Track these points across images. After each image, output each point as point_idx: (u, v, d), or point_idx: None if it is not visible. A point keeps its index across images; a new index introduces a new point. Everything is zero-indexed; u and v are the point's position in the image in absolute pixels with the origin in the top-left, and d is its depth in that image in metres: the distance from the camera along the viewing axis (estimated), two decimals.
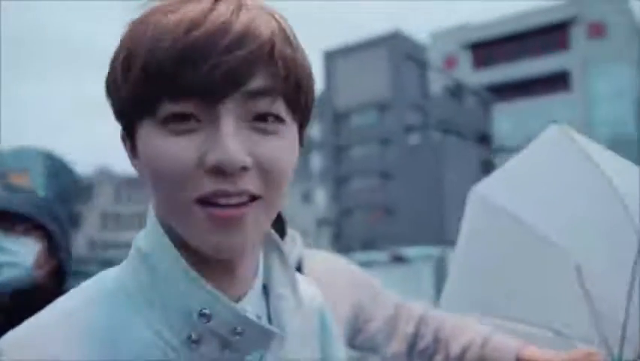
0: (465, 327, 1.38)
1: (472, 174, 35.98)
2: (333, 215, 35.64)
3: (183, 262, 0.56)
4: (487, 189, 1.63)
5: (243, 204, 0.54)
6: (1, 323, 1.29)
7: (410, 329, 1.39)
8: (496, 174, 1.69)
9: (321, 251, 1.51)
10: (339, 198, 36.84)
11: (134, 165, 0.61)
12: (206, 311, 0.55)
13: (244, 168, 0.53)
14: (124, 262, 0.62)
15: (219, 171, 0.52)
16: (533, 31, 42.07)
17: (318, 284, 0.81)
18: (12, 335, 0.55)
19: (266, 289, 0.66)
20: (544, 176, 1.55)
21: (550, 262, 1.46)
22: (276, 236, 0.68)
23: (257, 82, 0.53)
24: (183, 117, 0.53)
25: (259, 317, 0.62)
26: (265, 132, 0.55)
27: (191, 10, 0.53)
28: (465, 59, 44.91)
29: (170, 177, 0.53)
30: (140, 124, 0.56)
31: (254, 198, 0.55)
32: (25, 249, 1.28)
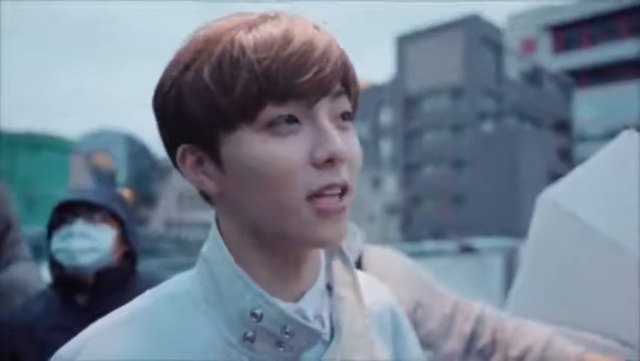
0: (525, 330, 1.35)
1: (549, 164, 34.68)
2: (402, 202, 35.37)
3: (236, 267, 0.61)
4: (557, 195, 1.58)
5: (342, 195, 0.59)
6: (85, 300, 1.45)
7: (467, 328, 1.36)
8: (566, 180, 1.63)
9: (379, 247, 1.50)
10: (408, 186, 36.50)
11: (200, 182, 0.62)
12: (257, 311, 0.59)
13: (345, 160, 0.58)
14: (194, 268, 0.66)
15: (329, 164, 0.57)
16: (619, 12, 39.64)
17: (378, 279, 0.79)
18: (85, 334, 0.61)
19: (330, 288, 0.68)
20: (617, 182, 1.48)
21: (621, 271, 1.40)
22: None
23: (338, 85, 0.60)
24: (288, 119, 0.58)
25: (320, 317, 0.65)
26: (344, 128, 0.61)
27: (277, 27, 0.59)
28: (544, 43, 43.02)
29: (281, 177, 0.57)
30: (230, 134, 0.59)
31: (344, 189, 0.59)
32: (103, 235, 1.46)
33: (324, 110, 0.59)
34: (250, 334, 0.60)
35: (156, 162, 50.34)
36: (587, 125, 39.46)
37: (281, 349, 0.61)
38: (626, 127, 1.51)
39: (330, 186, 0.58)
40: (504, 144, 32.52)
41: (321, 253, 0.68)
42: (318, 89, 0.58)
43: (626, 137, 1.50)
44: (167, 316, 0.61)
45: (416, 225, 34.00)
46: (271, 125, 0.57)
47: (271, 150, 0.57)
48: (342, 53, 0.62)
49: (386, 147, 38.05)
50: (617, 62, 39.97)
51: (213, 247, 0.64)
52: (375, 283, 0.78)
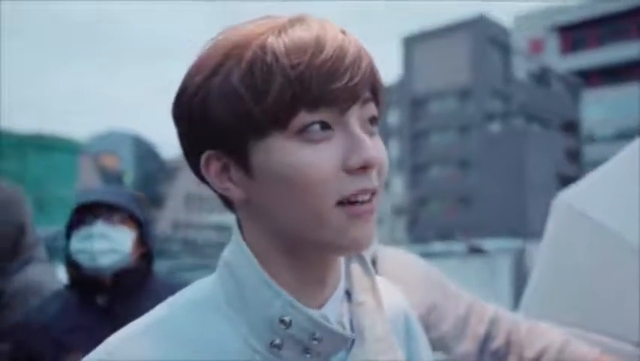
0: (540, 332, 1.35)
1: (557, 165, 34.52)
2: (410, 204, 35.29)
3: (263, 273, 0.60)
4: (572, 198, 1.58)
5: (372, 197, 0.60)
6: (105, 300, 1.46)
7: (482, 329, 1.36)
8: (582, 183, 1.64)
9: (393, 248, 1.50)
10: (416, 187, 36.42)
11: (226, 189, 0.62)
12: (286, 318, 0.59)
13: (374, 166, 0.59)
14: (215, 273, 0.65)
15: (362, 171, 0.58)
16: (628, 12, 39.40)
17: (391, 281, 0.80)
18: (110, 343, 0.60)
19: (349, 294, 0.68)
20: (630, 184, 1.47)
21: (637, 273, 1.38)
22: None
23: (367, 91, 0.60)
24: (321, 126, 0.57)
25: (340, 323, 0.65)
26: (372, 133, 0.61)
27: (307, 32, 0.58)
28: (552, 43, 42.83)
29: (313, 184, 0.57)
30: (261, 140, 0.58)
31: (373, 193, 0.60)
32: (123, 237, 1.47)
33: (355, 117, 0.59)
34: (278, 341, 0.59)
35: (163, 163, 50.44)
36: (596, 126, 39.24)
37: (308, 355, 0.60)
38: None
39: (363, 192, 0.58)
40: (511, 144, 32.39)
41: (341, 259, 0.68)
42: (350, 96, 0.58)
43: None
44: (189, 323, 0.60)
45: (423, 226, 33.91)
46: (303, 132, 0.57)
47: (303, 157, 0.57)
48: (371, 60, 0.61)
49: (393, 149, 37.99)
50: (625, 62, 39.74)
51: (236, 251, 0.63)
52: (388, 287, 0.78)
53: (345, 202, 0.58)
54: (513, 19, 44.39)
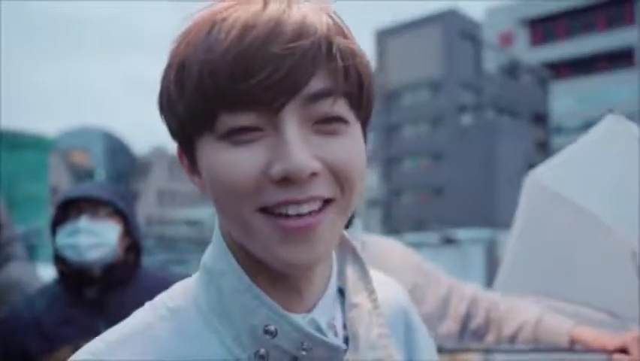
0: (517, 308, 1.40)
1: (527, 156, 35.08)
2: (384, 195, 35.51)
3: (247, 279, 0.55)
4: (544, 176, 1.63)
5: (316, 211, 0.52)
6: (94, 293, 1.48)
7: (462, 309, 1.42)
8: (553, 161, 1.68)
9: (377, 235, 1.55)
10: (389, 179, 36.64)
11: (194, 183, 0.59)
12: (271, 328, 0.54)
13: (314, 174, 0.51)
14: (195, 276, 0.62)
15: (287, 180, 0.50)
16: (596, 5, 40.17)
17: (374, 267, 0.81)
18: (90, 347, 0.56)
19: (341, 292, 0.64)
20: (601, 164, 1.54)
21: (607, 248, 1.46)
22: (350, 240, 0.66)
23: (316, 84, 0.51)
24: (244, 129, 0.51)
25: (333, 326, 0.60)
26: (330, 134, 0.52)
27: (242, 14, 0.51)
28: (522, 36, 43.40)
29: (234, 187, 0.51)
30: (198, 139, 0.54)
31: (327, 202, 0.53)
32: (109, 231, 1.49)
33: (293, 117, 0.50)
34: (263, 351, 0.55)
35: (135, 159, 49.79)
36: (564, 117, 39.94)
37: None
38: (610, 111, 1.57)
39: (292, 202, 0.51)
40: (483, 136, 32.79)
41: (333, 256, 0.64)
42: (277, 93, 0.49)
43: (611, 120, 1.56)
44: (170, 332, 0.56)
45: (397, 218, 34.16)
46: (230, 134, 0.51)
47: (226, 159, 0.51)
48: (323, 40, 0.51)
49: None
50: (593, 54, 40.50)
51: (217, 256, 0.59)
52: (385, 281, 0.74)
53: (270, 212, 0.52)
54: (483, 13, 44.83)
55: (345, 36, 0.54)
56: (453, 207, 31.34)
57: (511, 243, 1.76)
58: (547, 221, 1.61)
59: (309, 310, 0.59)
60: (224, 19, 0.51)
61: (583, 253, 1.52)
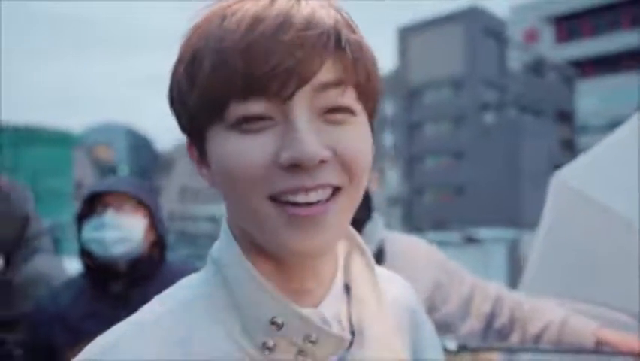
0: (542, 309, 1.40)
1: (552, 155, 34.62)
2: (405, 194, 35.36)
3: (253, 271, 0.56)
4: (570, 175, 1.62)
5: (325, 200, 0.53)
6: (120, 288, 1.50)
7: (486, 308, 1.41)
8: (580, 160, 1.66)
9: (399, 233, 1.55)
10: (411, 177, 36.46)
11: (202, 175, 0.60)
12: (278, 320, 0.55)
13: (322, 162, 0.51)
14: (203, 270, 0.62)
15: (296, 167, 0.51)
16: (621, 2, 39.41)
17: (399, 266, 0.80)
18: (100, 341, 0.57)
19: (347, 288, 0.64)
20: (628, 163, 1.51)
21: (633, 248, 1.43)
22: (356, 234, 0.66)
23: (326, 74, 0.52)
24: (254, 118, 0.52)
25: (338, 321, 0.61)
26: (340, 123, 0.54)
27: (252, 7, 0.52)
28: (547, 33, 42.79)
29: (244, 175, 0.52)
30: (209, 130, 0.55)
31: (335, 190, 0.53)
32: (135, 225, 1.49)
33: (302, 106, 0.52)
34: (270, 343, 0.55)
35: (158, 155, 50.36)
36: (590, 116, 39.31)
37: (302, 357, 0.56)
38: (637, 109, 1.54)
39: (302, 189, 0.52)
40: (506, 135, 32.43)
41: (339, 251, 0.64)
42: (287, 81, 0.50)
43: (637, 120, 1.54)
44: (180, 325, 0.57)
45: (418, 216, 33.99)
46: (240, 123, 0.52)
47: (236, 147, 0.52)
48: (332, 32, 0.52)
49: (388, 139, 37.99)
50: (619, 52, 39.78)
51: (225, 248, 0.59)
52: (392, 278, 0.74)
53: (283, 201, 0.52)
54: (508, 10, 44.33)
55: (352, 30, 0.55)
56: (475, 206, 31.07)
57: (537, 243, 1.74)
58: (574, 221, 1.59)
59: (316, 305, 0.59)
60: (234, 13, 0.53)
61: (609, 253, 1.50)
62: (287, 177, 0.51)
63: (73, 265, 1.87)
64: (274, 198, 0.52)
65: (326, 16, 0.53)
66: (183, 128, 0.59)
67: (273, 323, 0.55)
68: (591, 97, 39.53)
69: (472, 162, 33.49)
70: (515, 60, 38.28)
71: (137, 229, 1.49)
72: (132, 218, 1.49)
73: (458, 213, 31.16)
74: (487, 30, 35.84)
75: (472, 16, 35.39)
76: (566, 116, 39.18)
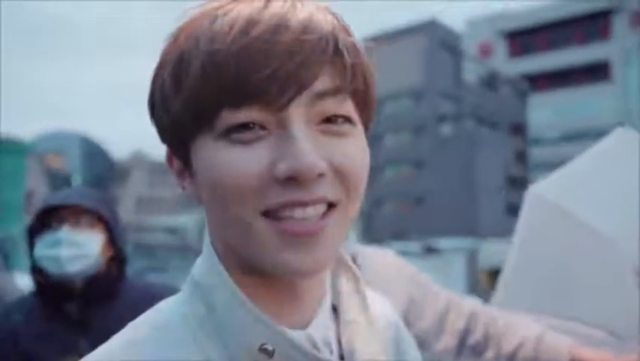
0: (518, 325, 1.37)
1: (506, 166, 35.50)
2: (364, 205, 35.58)
3: (239, 293, 0.52)
4: (547, 188, 1.61)
5: (321, 216, 0.50)
6: (74, 308, 1.39)
7: (460, 324, 1.38)
8: (557, 174, 1.66)
9: (372, 247, 1.51)
10: (370, 188, 36.73)
11: (184, 187, 0.56)
12: (268, 347, 0.50)
13: (320, 175, 0.48)
14: (183, 291, 0.58)
15: (293, 180, 0.47)
16: (573, 19, 40.98)
17: (370, 280, 0.77)
18: None
19: (335, 311, 0.61)
20: (607, 178, 1.52)
21: (610, 264, 1.44)
22: (344, 256, 0.63)
23: (323, 82, 0.49)
24: (246, 126, 0.48)
25: (328, 343, 0.57)
26: (337, 134, 0.50)
27: (245, 9, 0.49)
28: (501, 48, 44.04)
29: (236, 188, 0.48)
30: (195, 139, 0.51)
31: (330, 206, 0.50)
32: (92, 241, 1.40)
33: (299, 115, 0.48)
34: None
35: (113, 164, 49.22)
36: (542, 128, 40.55)
37: None
38: (620, 124, 1.55)
39: (292, 205, 0.48)
40: (462, 146, 33.10)
41: (327, 272, 0.60)
42: (284, 88, 0.47)
43: (619, 134, 1.54)
44: (157, 352, 0.52)
45: (378, 227, 34.24)
46: (231, 132, 0.48)
47: (226, 158, 0.48)
48: (330, 37, 0.49)
49: None
50: (570, 67, 41.27)
51: (208, 269, 0.55)
52: (374, 295, 0.71)
53: (273, 216, 0.49)
54: (464, 24, 45.44)
55: (349, 35, 0.52)
56: (434, 216, 31.51)
57: (510, 256, 1.74)
58: (549, 235, 1.59)
59: (304, 325, 0.56)
60: (225, 14, 0.49)
61: (584, 268, 1.49)
62: (282, 191, 0.48)
63: (25, 281, 1.77)
64: (268, 214, 0.49)
65: (323, 20, 0.50)
66: (164, 137, 0.55)
67: (262, 350, 0.50)
68: (544, 110, 40.82)
69: (431, 172, 34.01)
70: (471, 73, 39.19)
71: (94, 244, 1.40)
72: (89, 233, 1.40)
73: (417, 223, 31.52)
74: (443, 43, 36.62)
75: (429, 30, 36.12)
76: (519, 129, 40.27)
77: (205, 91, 0.48)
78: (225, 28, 0.47)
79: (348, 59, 0.50)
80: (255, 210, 0.48)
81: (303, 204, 0.48)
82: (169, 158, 0.56)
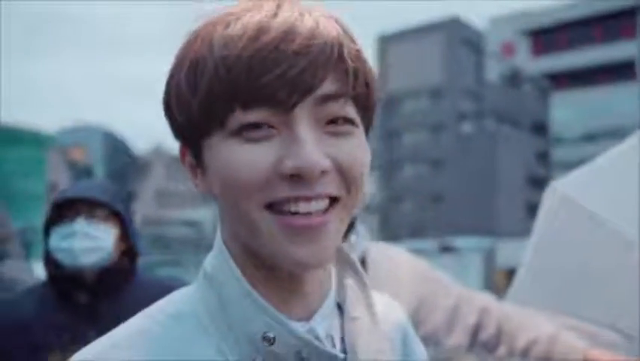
0: (532, 323, 1.36)
1: (527, 165, 35.13)
2: (382, 202, 35.51)
3: (246, 285, 0.55)
4: (567, 186, 1.59)
5: (324, 210, 0.53)
6: (86, 298, 1.43)
7: (472, 319, 1.37)
8: (578, 172, 1.64)
9: (383, 243, 1.51)
10: (388, 185, 36.64)
11: (196, 185, 0.59)
12: (270, 335, 0.54)
13: (323, 172, 0.52)
14: (194, 283, 0.61)
15: (297, 177, 0.51)
16: (597, 17, 40.32)
17: (382, 277, 0.78)
18: (90, 350, 0.56)
19: (340, 308, 0.63)
20: (629, 178, 1.49)
21: (629, 265, 1.41)
22: (349, 253, 0.65)
23: (328, 86, 0.53)
24: (256, 126, 0.52)
25: (330, 337, 0.60)
26: (339, 135, 0.54)
27: (256, 16, 0.53)
28: (523, 46, 43.52)
29: (244, 183, 0.52)
30: (207, 138, 0.55)
31: (333, 201, 0.54)
32: (105, 234, 1.42)
33: (305, 116, 0.52)
34: (259, 359, 0.54)
35: (134, 158, 49.72)
36: (564, 127, 40.01)
37: None
38: None
39: (296, 199, 0.52)
40: (483, 144, 32.83)
41: (332, 268, 0.63)
42: (291, 91, 0.51)
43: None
44: (169, 338, 0.56)
45: (395, 224, 34.15)
46: (242, 132, 0.52)
47: (236, 155, 0.52)
48: (335, 44, 0.53)
49: None
50: (594, 66, 40.64)
51: (218, 262, 0.58)
52: (384, 299, 0.73)
53: (276, 210, 0.52)
54: (487, 22, 44.98)
55: (353, 42, 0.56)
56: (452, 215, 31.33)
57: (527, 252, 1.71)
58: (567, 233, 1.56)
59: (308, 319, 0.58)
60: (238, 19, 0.53)
61: (602, 268, 1.47)
62: (287, 187, 0.52)
63: (42, 270, 1.81)
64: (272, 207, 0.52)
65: (330, 27, 0.53)
66: (178, 134, 0.58)
67: (264, 338, 0.54)
68: (565, 109, 40.26)
69: (450, 170, 33.81)
70: (492, 71, 38.83)
71: (107, 238, 1.42)
72: (103, 227, 1.42)
73: (435, 221, 31.38)
74: (465, 41, 36.33)
75: (451, 27, 35.85)
76: (541, 128, 39.82)
77: (219, 93, 0.51)
78: (238, 34, 0.51)
79: (351, 65, 0.53)
80: (260, 204, 0.52)
81: (307, 199, 0.52)
82: (182, 155, 0.60)
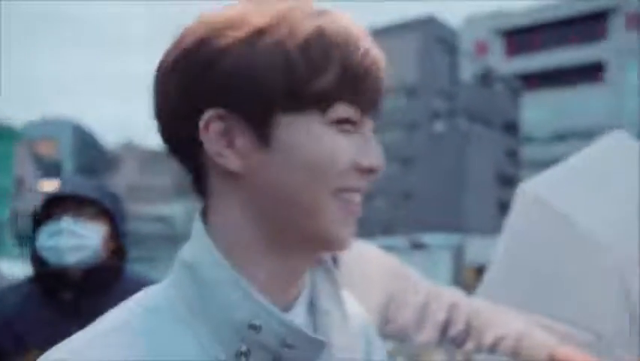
0: (500, 318, 1.36)
1: (497, 163, 35.64)
2: None
3: (232, 271, 0.55)
4: (539, 186, 1.60)
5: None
6: (71, 296, 1.41)
7: (441, 315, 1.38)
8: (550, 172, 1.65)
9: (354, 240, 1.50)
10: None
11: (225, 156, 0.56)
12: (256, 323, 0.54)
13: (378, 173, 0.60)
14: (168, 279, 0.61)
15: (366, 172, 0.58)
16: (571, 19, 41.08)
17: (353, 274, 0.79)
18: (66, 346, 0.55)
19: (312, 305, 0.64)
20: (599, 180, 1.51)
21: (598, 266, 1.42)
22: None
23: None
24: (349, 120, 0.57)
25: (307, 327, 0.61)
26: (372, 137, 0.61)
27: (350, 25, 0.58)
28: (497, 46, 44.11)
29: (326, 168, 0.55)
30: (292, 116, 0.55)
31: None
32: (93, 232, 1.40)
33: (369, 119, 0.60)
34: (244, 348, 0.54)
35: (104, 152, 48.80)
36: (534, 127, 40.71)
37: None
38: (617, 126, 1.54)
39: (358, 190, 0.59)
40: (454, 143, 33.21)
41: None
42: (380, 95, 0.59)
43: (613, 136, 1.53)
44: (147, 331, 0.55)
45: (367, 221, 34.33)
46: (340, 122, 0.56)
47: (329, 142, 0.56)
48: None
49: None
50: (565, 67, 41.40)
51: (199, 249, 0.58)
52: (349, 298, 0.74)
53: (341, 196, 0.57)
54: (461, 21, 45.43)
55: None
56: (423, 212, 31.64)
57: (498, 251, 1.73)
58: (538, 232, 1.57)
59: (287, 311, 0.59)
60: (333, 19, 0.58)
61: (572, 268, 1.48)
62: (357, 178, 0.58)
63: (12, 268, 1.77)
64: (336, 193, 0.57)
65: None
66: (223, 98, 0.55)
67: (250, 326, 0.54)
68: (536, 109, 40.96)
69: (422, 168, 34.11)
70: (466, 71, 39.26)
71: (94, 236, 1.39)
72: (91, 225, 1.39)
73: (406, 219, 31.64)
74: (440, 40, 36.65)
75: (426, 26, 36.12)
76: (511, 127, 40.43)
77: (338, 84, 0.56)
78: (356, 36, 0.57)
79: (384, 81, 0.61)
80: (331, 189, 0.56)
81: (362, 191, 0.59)
82: (208, 120, 0.56)
